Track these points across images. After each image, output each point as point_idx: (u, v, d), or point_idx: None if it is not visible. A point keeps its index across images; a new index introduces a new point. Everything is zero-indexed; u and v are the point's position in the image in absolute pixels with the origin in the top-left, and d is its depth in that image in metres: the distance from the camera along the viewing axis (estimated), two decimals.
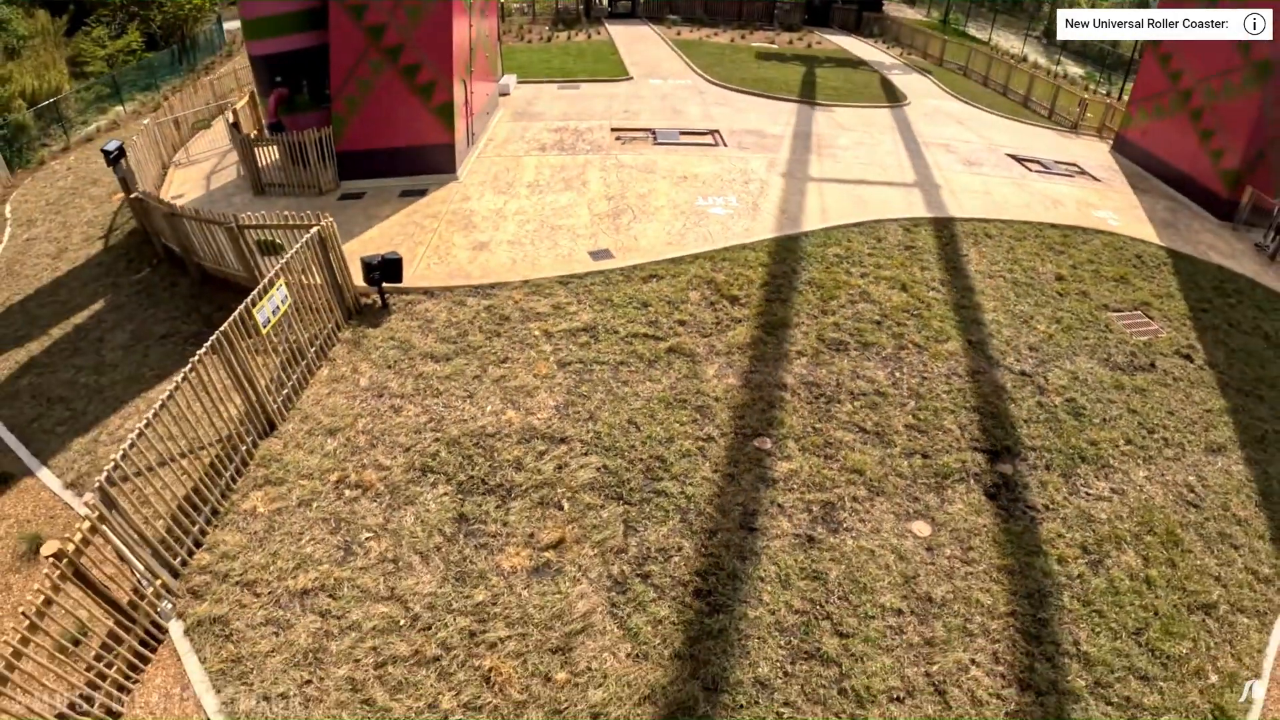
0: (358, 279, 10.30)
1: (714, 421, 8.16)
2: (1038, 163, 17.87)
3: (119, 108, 23.96)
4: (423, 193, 13.63)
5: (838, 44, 31.89)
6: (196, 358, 7.49)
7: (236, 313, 8.08)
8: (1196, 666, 6.41)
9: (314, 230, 9.44)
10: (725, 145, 16.41)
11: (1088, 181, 16.91)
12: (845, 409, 8.75)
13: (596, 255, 11.21)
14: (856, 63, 27.72)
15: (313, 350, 9.37)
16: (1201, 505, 8.13)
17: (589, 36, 29.69)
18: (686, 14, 35.25)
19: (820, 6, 37.06)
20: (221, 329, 7.82)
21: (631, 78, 22.46)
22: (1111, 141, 19.67)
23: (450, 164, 14.13)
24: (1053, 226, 14.14)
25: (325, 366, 9.46)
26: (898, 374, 9.57)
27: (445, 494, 7.38)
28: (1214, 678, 6.38)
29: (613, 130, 17.07)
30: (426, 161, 14.05)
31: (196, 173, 16.36)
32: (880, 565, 7.10)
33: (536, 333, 9.36)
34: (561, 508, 7.17)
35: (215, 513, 7.57)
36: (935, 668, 6.17)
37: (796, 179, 14.74)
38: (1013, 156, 18.07)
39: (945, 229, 13.53)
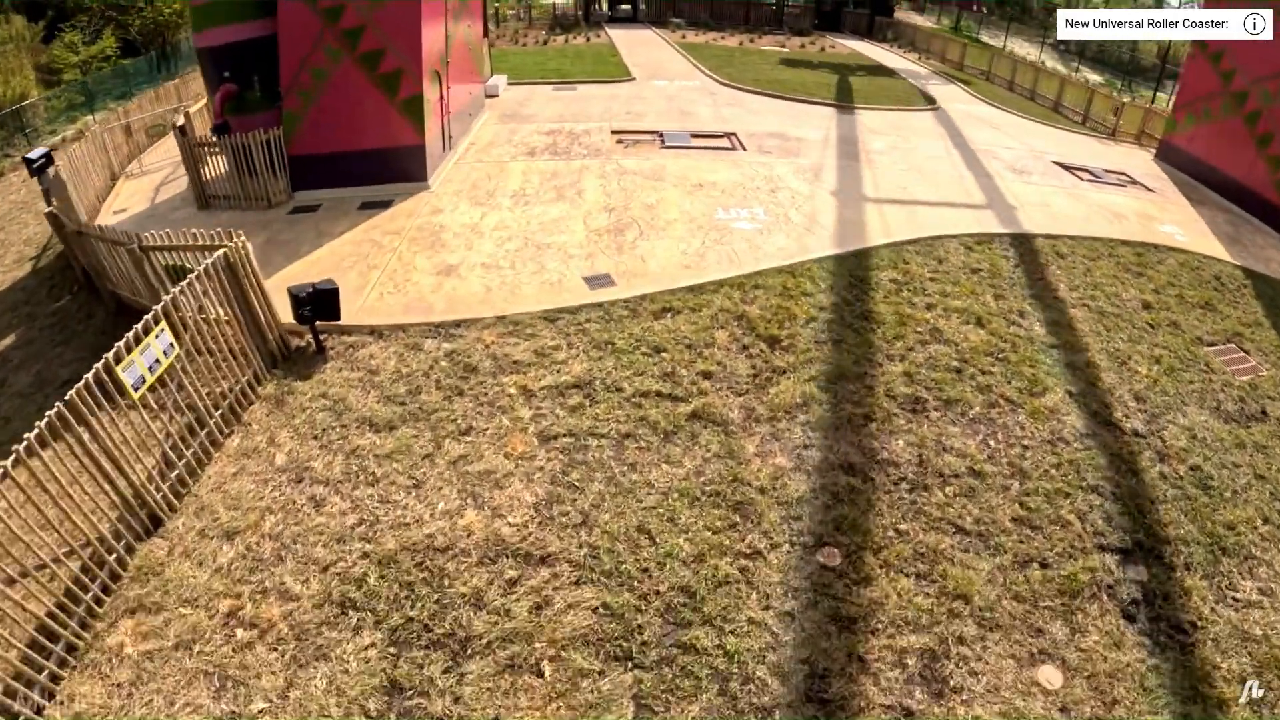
0: (288, 313, 8.00)
1: (760, 526, 5.79)
2: (1086, 171, 15.99)
3: (89, 116, 22.44)
4: (387, 204, 11.37)
5: (852, 48, 30.00)
6: (24, 445, 5.21)
7: (92, 373, 5.80)
8: None
9: (218, 254, 7.15)
10: (744, 149, 14.18)
11: (1141, 192, 14.89)
12: (935, 499, 6.44)
13: (593, 282, 8.89)
14: (877, 68, 25.75)
15: (219, 413, 7.06)
16: None
17: (587, 39, 27.77)
18: (691, 18, 33.49)
19: (830, 11, 35.57)
20: (66, 400, 5.55)
21: (634, 79, 20.35)
22: (1155, 149, 17.94)
23: (421, 170, 11.85)
24: (1123, 243, 12.19)
25: (236, 434, 7.16)
26: (993, 443, 7.30)
27: (372, 645, 5.02)
28: None
29: (613, 133, 14.85)
30: (393, 168, 11.79)
31: (148, 184, 14.57)
32: None
33: (512, 390, 6.97)
34: (541, 674, 4.80)
35: (72, 649, 5.34)
36: None
37: (831, 188, 12.50)
38: (1059, 164, 16.17)
39: (1012, 247, 11.38)
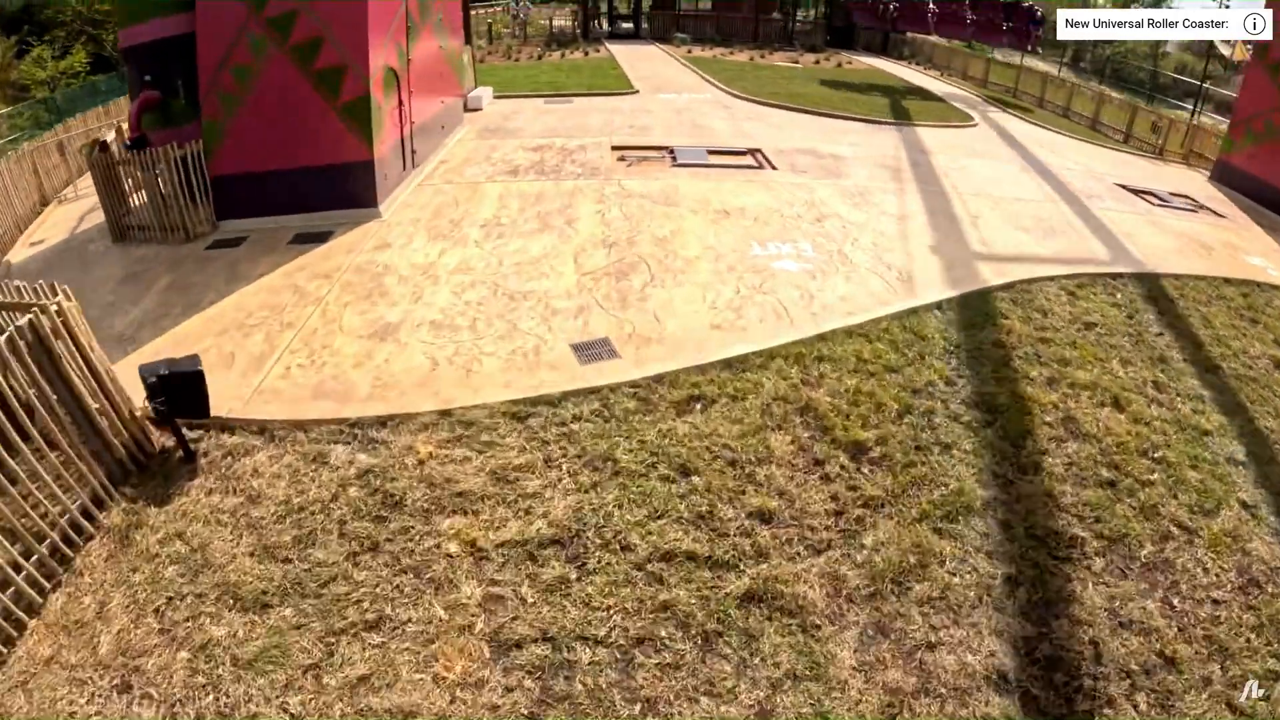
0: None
1: None
2: (1152, 194, 14.02)
3: None
4: (325, 237, 8.98)
5: (870, 65, 28.15)
6: None
7: None
8: None
9: (22, 321, 4.73)
10: (773, 168, 11.82)
11: (1213, 218, 12.99)
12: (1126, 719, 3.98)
13: (586, 352, 6.43)
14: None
15: (33, 560, 4.60)
16: None
17: (586, 54, 25.78)
18: (696, 33, 31.63)
19: (843, 27, 33.81)
20: None
21: (637, 91, 18.19)
22: (1210, 169, 16.30)
23: (370, 194, 9.46)
24: (1226, 281, 9.99)
25: (64, 588, 4.71)
26: (1177, 602, 4.92)
27: None
28: None
29: (614, 149, 12.51)
30: (336, 190, 9.42)
31: (77, 210, 12.33)
32: None
33: (453, 548, 4.41)
34: None
35: None
36: None
37: (888, 216, 10.15)
38: (1123, 186, 14.22)
39: (1118, 291, 9.21)
